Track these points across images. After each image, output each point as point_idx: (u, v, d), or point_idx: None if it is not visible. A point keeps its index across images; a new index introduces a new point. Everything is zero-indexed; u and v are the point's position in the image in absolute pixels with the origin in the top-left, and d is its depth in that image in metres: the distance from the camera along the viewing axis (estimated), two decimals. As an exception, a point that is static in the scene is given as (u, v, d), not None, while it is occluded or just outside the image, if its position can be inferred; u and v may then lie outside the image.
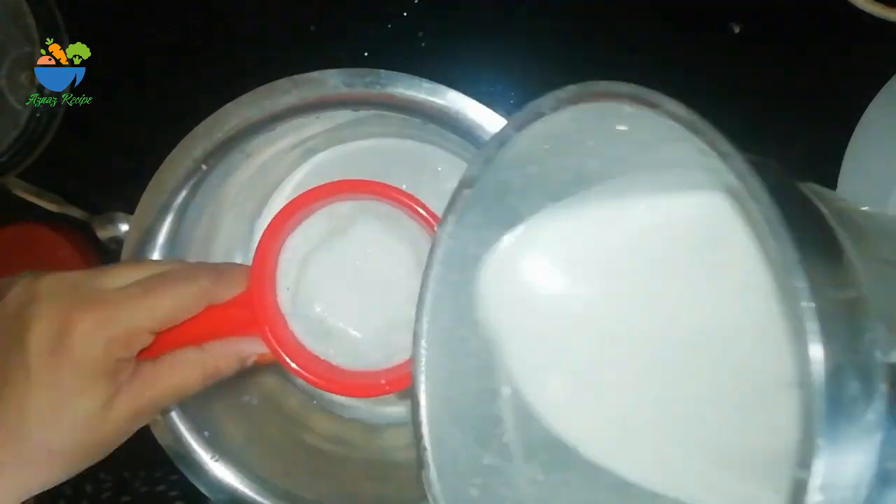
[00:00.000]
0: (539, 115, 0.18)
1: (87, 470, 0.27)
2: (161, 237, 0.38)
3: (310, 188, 0.29)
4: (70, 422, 0.25)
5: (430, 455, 0.18)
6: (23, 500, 0.26)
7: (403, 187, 0.47)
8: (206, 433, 0.39)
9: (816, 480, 0.12)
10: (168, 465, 0.38)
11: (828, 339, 0.12)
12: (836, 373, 0.12)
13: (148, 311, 0.26)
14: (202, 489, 0.39)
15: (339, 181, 0.30)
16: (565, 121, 0.18)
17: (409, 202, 0.30)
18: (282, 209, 0.29)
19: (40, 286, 0.26)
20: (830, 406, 0.12)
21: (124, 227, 0.46)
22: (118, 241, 0.46)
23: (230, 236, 0.44)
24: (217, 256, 0.43)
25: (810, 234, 0.14)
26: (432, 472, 0.18)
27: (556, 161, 0.20)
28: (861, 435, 0.13)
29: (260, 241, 0.29)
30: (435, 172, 0.48)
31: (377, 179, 0.47)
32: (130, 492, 0.49)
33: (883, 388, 0.13)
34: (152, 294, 0.26)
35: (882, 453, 0.13)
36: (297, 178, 0.48)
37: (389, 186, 0.30)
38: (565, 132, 0.18)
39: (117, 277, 0.27)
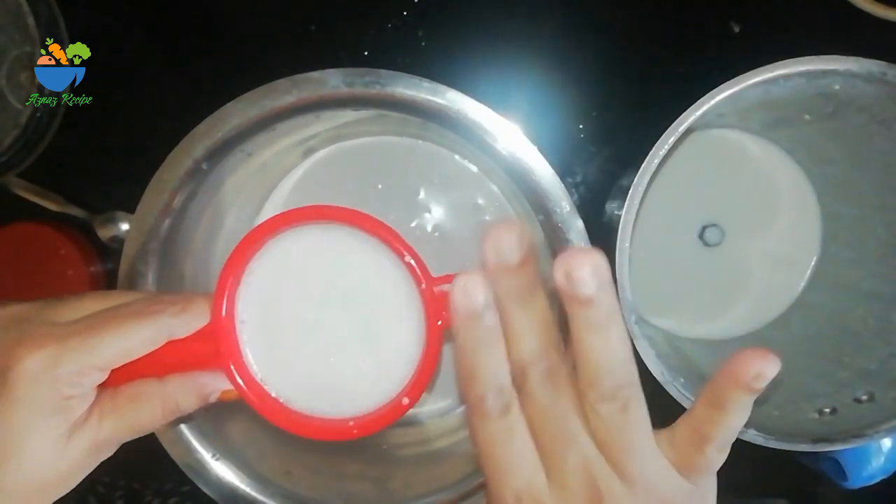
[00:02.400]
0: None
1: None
2: (161, 237, 0.38)
3: (278, 213, 0.27)
4: (21, 462, 0.24)
5: None
6: None
7: (421, 192, 0.47)
8: (207, 431, 0.39)
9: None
10: (170, 465, 0.38)
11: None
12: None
13: (96, 349, 0.24)
14: (203, 487, 0.39)
15: (316, 206, 0.26)
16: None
17: (394, 242, 0.26)
18: (246, 235, 0.26)
19: None
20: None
21: (125, 227, 0.46)
22: (119, 241, 0.46)
23: (230, 236, 0.44)
24: (217, 256, 0.43)
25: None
26: None
27: None
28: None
29: (222, 271, 0.26)
30: (445, 176, 0.48)
31: (377, 180, 0.48)
32: (130, 491, 0.50)
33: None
34: (100, 331, 0.24)
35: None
36: (298, 177, 0.48)
37: (367, 217, 0.26)
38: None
39: (71, 310, 0.26)
